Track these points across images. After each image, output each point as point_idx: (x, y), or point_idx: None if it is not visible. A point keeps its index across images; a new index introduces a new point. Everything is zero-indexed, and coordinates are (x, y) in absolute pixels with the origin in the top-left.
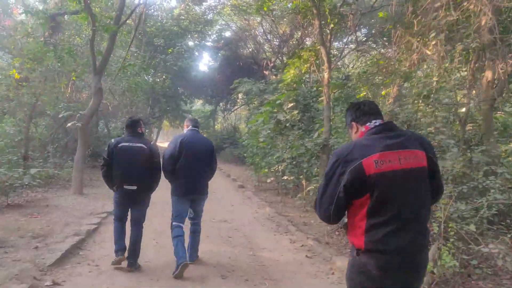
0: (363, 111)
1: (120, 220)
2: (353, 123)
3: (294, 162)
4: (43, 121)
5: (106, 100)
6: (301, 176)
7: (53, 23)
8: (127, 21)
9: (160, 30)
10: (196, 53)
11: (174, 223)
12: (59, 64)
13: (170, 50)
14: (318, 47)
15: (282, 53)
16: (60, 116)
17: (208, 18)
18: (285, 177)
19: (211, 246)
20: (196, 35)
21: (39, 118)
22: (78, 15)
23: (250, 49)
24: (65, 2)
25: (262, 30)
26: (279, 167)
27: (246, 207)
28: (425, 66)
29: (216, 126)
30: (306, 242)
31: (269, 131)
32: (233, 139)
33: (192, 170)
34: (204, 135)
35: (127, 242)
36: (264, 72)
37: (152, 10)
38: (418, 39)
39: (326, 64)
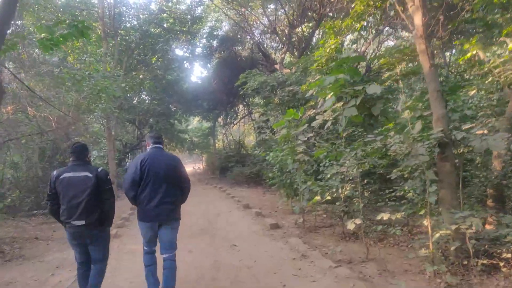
0: None
1: (81, 264)
2: None
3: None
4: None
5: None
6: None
7: None
8: (95, 24)
9: (136, 29)
10: (186, 64)
11: (145, 248)
12: None
13: (154, 59)
14: None
15: (293, 44)
16: None
17: (196, 14)
18: (384, 216)
19: None
20: (183, 37)
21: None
22: None
23: (252, 42)
24: None
25: (266, 20)
26: (342, 191)
27: (313, 285)
28: None
29: (216, 145)
30: None
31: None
32: (239, 156)
33: (156, 193)
34: (204, 155)
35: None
36: (275, 66)
37: (124, 8)
38: None
39: (417, 1)
